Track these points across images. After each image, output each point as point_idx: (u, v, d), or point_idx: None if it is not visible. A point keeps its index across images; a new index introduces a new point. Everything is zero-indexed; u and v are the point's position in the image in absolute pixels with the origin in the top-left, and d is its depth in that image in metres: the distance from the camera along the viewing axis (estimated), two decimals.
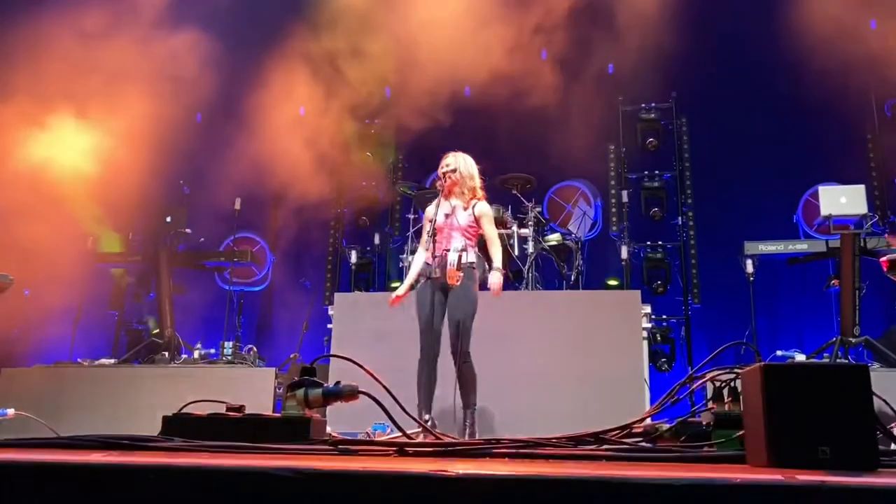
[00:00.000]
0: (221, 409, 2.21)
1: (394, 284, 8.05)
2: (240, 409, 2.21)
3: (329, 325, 6.75)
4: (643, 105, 8.74)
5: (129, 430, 3.02)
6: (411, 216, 7.79)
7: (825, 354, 6.37)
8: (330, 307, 6.85)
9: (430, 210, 5.07)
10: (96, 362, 7.20)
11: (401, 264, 7.52)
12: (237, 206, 8.29)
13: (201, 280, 9.23)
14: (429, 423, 4.45)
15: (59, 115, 7.30)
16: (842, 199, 6.64)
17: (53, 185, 7.41)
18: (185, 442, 1.91)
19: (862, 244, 6.55)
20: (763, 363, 1.60)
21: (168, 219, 8.11)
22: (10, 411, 4.31)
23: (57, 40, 7.19)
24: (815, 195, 7.00)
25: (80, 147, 7.38)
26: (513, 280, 7.03)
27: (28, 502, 1.29)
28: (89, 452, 1.58)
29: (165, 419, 2.16)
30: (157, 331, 7.80)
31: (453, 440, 2.40)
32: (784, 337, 8.10)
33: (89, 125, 7.33)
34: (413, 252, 7.14)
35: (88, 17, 7.35)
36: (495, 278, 4.83)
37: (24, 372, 7.00)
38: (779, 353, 6.64)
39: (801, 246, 7.20)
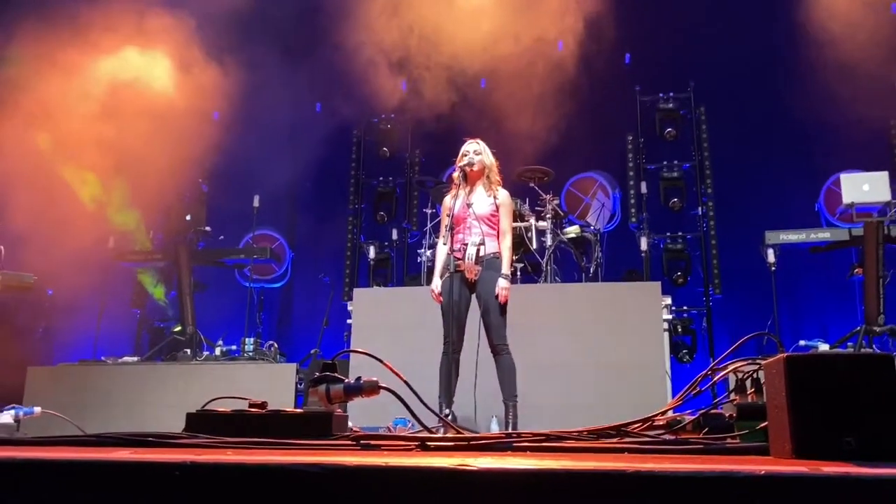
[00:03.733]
0: (244, 406, 2.23)
1: (412, 279, 8.09)
2: (262, 405, 2.23)
3: (349, 321, 6.77)
4: (661, 95, 8.66)
5: (153, 427, 3.06)
6: (429, 211, 7.79)
7: (849, 344, 6.31)
8: (349, 302, 6.87)
9: (447, 201, 4.96)
10: (120, 360, 7.28)
11: (418, 259, 7.52)
12: (256, 203, 8.34)
13: (221, 277, 9.30)
14: (449, 418, 4.45)
15: (78, 116, 7.38)
16: (864, 187, 6.55)
17: (73, 185, 7.51)
18: (209, 438, 1.93)
19: (886, 232, 6.46)
20: (786, 354, 1.58)
21: (188, 217, 8.18)
22: (37, 409, 4.35)
23: (73, 42, 7.26)
24: (837, 183, 6.92)
25: (100, 147, 7.46)
26: (531, 273, 7.01)
27: (57, 500, 1.31)
28: (116, 450, 1.60)
29: (189, 416, 2.18)
30: (179, 328, 7.86)
31: (474, 434, 2.40)
32: (807, 327, 8.02)
33: (108, 126, 7.39)
34: (431, 247, 7.15)
35: (103, 18, 7.42)
36: (503, 284, 4.73)
37: (49, 370, 7.10)
38: (802, 342, 6.58)
39: (823, 235, 7.11)
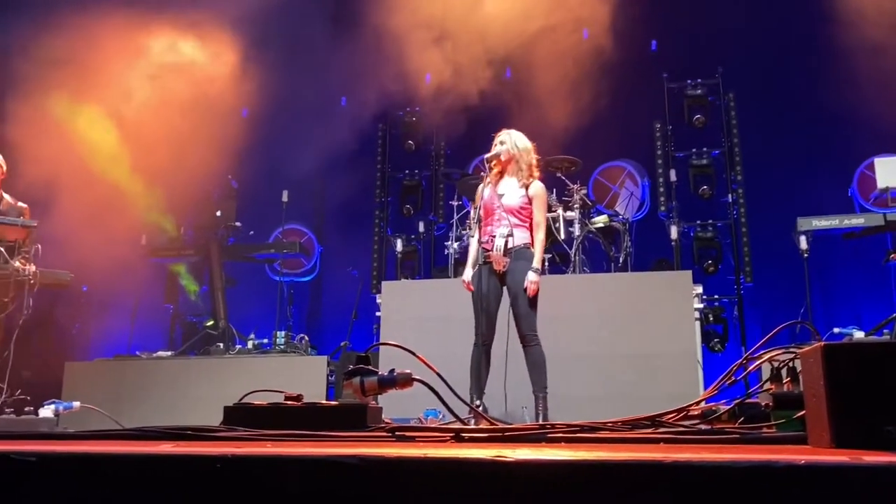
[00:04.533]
0: (280, 399, 2.26)
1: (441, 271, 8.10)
2: (298, 397, 2.26)
3: (377, 313, 6.81)
4: (689, 81, 8.54)
5: (188, 420, 3.11)
6: (455, 203, 7.79)
7: (885, 331, 6.20)
8: (378, 295, 6.91)
9: (480, 190, 4.95)
10: (154, 355, 7.40)
11: (445, 251, 7.53)
12: (284, 198, 8.41)
13: (252, 272, 9.41)
14: (480, 409, 4.47)
15: (109, 114, 7.49)
16: None
17: (106, 183, 7.63)
18: (247, 431, 1.96)
19: None
20: (824, 342, 1.57)
21: (218, 213, 8.29)
22: (76, 404, 4.46)
23: (103, 40, 7.36)
24: (871, 167, 6.80)
25: (130, 145, 7.57)
26: (560, 263, 6.99)
27: (104, 493, 1.34)
28: (158, 443, 1.63)
29: (227, 409, 2.22)
30: (212, 322, 7.98)
31: (508, 426, 2.41)
32: (841, 314, 7.89)
33: (139, 124, 7.50)
34: (458, 239, 7.16)
35: (134, 14, 7.51)
36: (531, 278, 4.72)
37: (85, 366, 7.24)
38: (836, 330, 6.48)
39: (857, 220, 6.99)
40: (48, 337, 7.44)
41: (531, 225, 4.88)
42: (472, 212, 5.08)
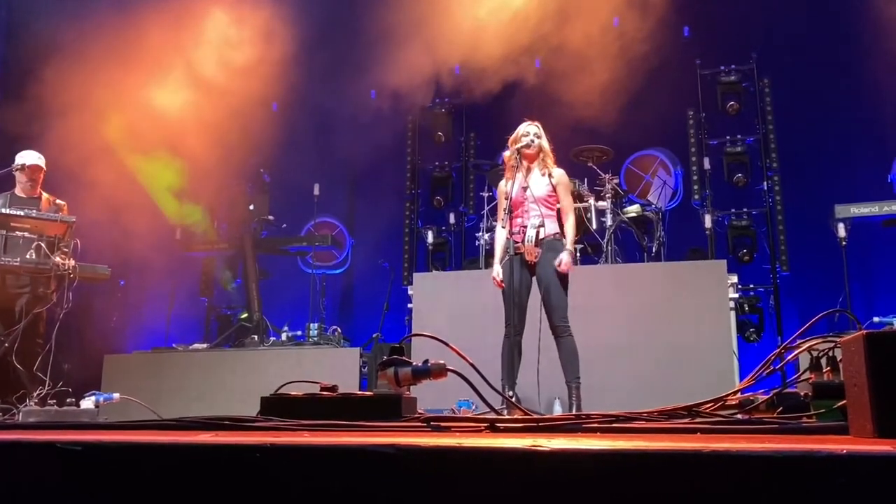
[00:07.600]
0: (316, 390, 2.28)
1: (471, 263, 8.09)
2: (333, 388, 2.28)
3: (409, 305, 6.83)
4: (722, 67, 8.40)
5: (224, 410, 3.15)
6: (485, 194, 7.77)
7: None
8: (409, 287, 6.93)
9: (502, 185, 4.97)
10: (190, 347, 7.52)
11: (476, 242, 7.53)
12: (316, 191, 8.47)
13: (285, 265, 9.50)
14: (513, 400, 4.47)
15: (144, 111, 7.59)
16: None
17: (142, 179, 7.75)
18: (284, 421, 1.98)
19: None
20: (865, 331, 1.54)
21: (251, 207, 8.38)
22: (116, 395, 4.56)
23: (136, 40, 7.45)
24: None
25: (164, 140, 7.67)
26: (591, 253, 6.94)
27: (146, 481, 1.37)
28: (198, 433, 1.66)
29: (264, 400, 2.25)
30: (246, 315, 8.08)
31: (542, 416, 2.40)
32: (881, 303, 7.73)
33: (174, 120, 7.59)
34: (489, 230, 7.14)
35: (169, 12, 7.60)
36: (565, 257, 4.73)
37: (124, 358, 7.38)
38: (876, 319, 6.36)
39: None
40: (87, 330, 7.60)
41: (559, 213, 4.88)
42: (499, 205, 5.05)
